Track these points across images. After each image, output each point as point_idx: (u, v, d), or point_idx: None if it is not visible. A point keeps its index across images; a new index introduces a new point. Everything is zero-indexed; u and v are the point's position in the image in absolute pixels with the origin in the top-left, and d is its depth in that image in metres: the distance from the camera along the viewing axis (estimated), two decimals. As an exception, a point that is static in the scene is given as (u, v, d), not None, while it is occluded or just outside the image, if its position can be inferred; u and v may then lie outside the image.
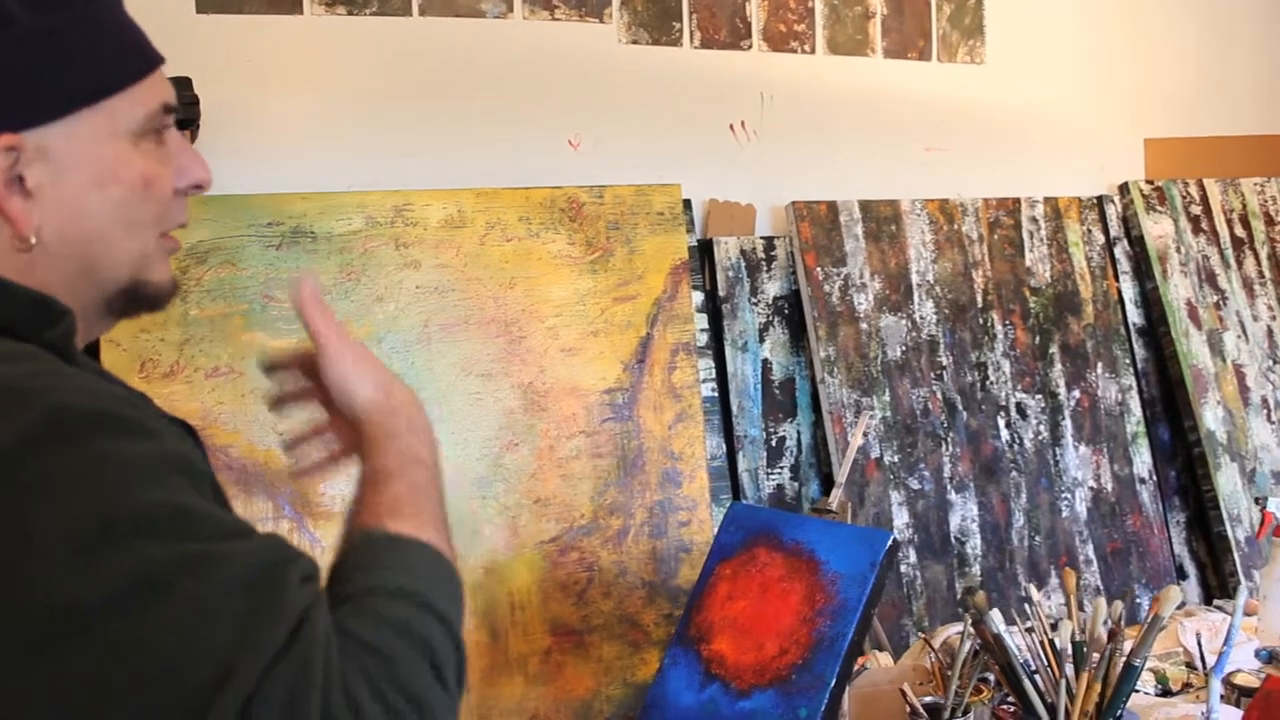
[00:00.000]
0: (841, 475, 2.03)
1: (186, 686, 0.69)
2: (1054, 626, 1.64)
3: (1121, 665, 1.58)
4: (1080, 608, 1.68)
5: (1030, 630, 1.68)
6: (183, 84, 2.22)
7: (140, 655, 0.69)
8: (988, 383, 2.84)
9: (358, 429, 1.01)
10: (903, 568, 2.64)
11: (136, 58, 0.93)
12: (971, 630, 1.67)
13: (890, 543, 1.63)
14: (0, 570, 0.70)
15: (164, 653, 0.69)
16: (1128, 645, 1.59)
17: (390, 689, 0.74)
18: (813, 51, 2.90)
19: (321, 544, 2.17)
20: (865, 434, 2.65)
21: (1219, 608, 2.13)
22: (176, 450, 0.79)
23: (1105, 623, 1.61)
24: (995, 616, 1.62)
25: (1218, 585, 2.95)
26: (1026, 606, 1.73)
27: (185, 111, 2.20)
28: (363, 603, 0.80)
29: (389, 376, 1.04)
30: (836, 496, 2.00)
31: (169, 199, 0.96)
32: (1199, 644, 1.78)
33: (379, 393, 1.01)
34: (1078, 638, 1.60)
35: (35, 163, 0.87)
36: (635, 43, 2.73)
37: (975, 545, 2.73)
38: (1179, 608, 2.19)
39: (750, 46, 2.84)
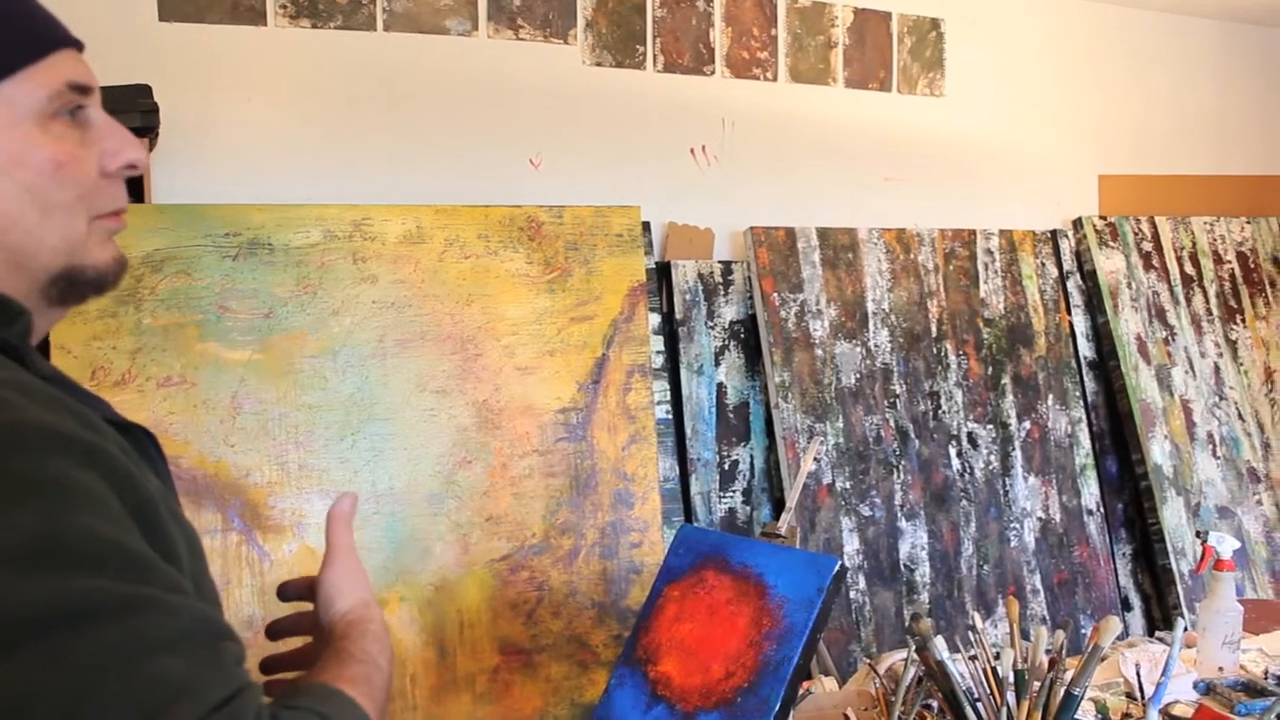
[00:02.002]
0: (791, 500, 2.04)
1: (119, 712, 0.69)
2: (997, 655, 1.65)
3: (1062, 694, 1.60)
4: (1024, 636, 1.70)
5: (974, 658, 1.69)
6: (142, 92, 2.21)
7: (78, 676, 0.69)
8: (940, 412, 2.87)
9: (327, 633, 1.06)
10: (852, 594, 2.65)
11: (30, 41, 0.90)
12: (915, 657, 1.68)
13: (838, 568, 1.64)
14: None
15: (101, 678, 0.69)
16: (1069, 675, 1.61)
17: None
18: (775, 79, 2.93)
19: (270, 557, 2.15)
20: (816, 459, 2.66)
21: (1160, 639, 2.16)
22: (129, 479, 0.79)
23: (1047, 651, 1.62)
24: (939, 643, 1.63)
25: (1162, 617, 2.99)
26: (969, 634, 1.75)
27: (144, 119, 2.19)
28: (305, 714, 0.83)
29: (371, 595, 1.10)
30: (786, 521, 2.00)
31: (91, 180, 0.93)
32: (1138, 675, 1.80)
33: (360, 604, 1.07)
34: (1019, 666, 1.62)
35: None
36: (599, 65, 2.74)
37: (924, 573, 2.75)
38: (1120, 638, 2.22)
39: (713, 72, 2.86)
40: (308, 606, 1.12)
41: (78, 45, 0.94)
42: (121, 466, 0.79)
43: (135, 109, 2.18)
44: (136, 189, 2.21)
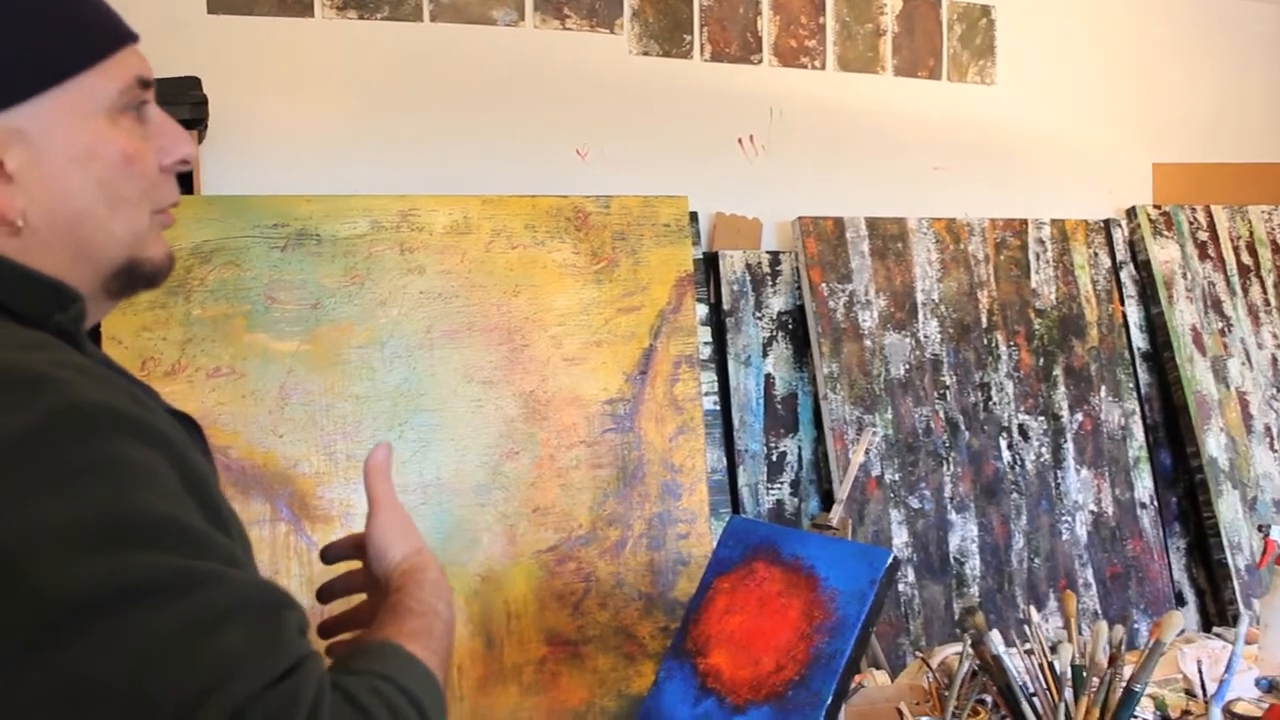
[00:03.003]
0: (843, 492, 2.02)
1: (180, 688, 0.69)
2: (1053, 649, 1.62)
3: (1121, 691, 1.57)
4: (1080, 631, 1.67)
5: (1029, 652, 1.66)
6: (191, 84, 2.22)
7: (137, 653, 0.69)
8: (990, 403, 2.83)
9: (384, 586, 1.05)
10: (901, 586, 2.63)
11: (103, 36, 0.92)
12: (970, 651, 1.66)
13: (890, 560, 1.62)
14: (1, 556, 0.69)
15: (161, 655, 0.69)
16: (1127, 670, 1.58)
17: None
18: (823, 68, 2.90)
19: (317, 546, 2.16)
20: (867, 451, 2.64)
21: (1219, 635, 2.12)
22: (184, 458, 0.80)
23: (1105, 647, 1.60)
24: (995, 637, 1.60)
25: (1216, 612, 2.94)
26: (1026, 628, 1.72)
27: (194, 111, 2.20)
28: (366, 679, 0.82)
29: (423, 543, 1.09)
30: (837, 512, 1.98)
31: (154, 175, 0.95)
32: (1200, 671, 1.77)
33: (413, 552, 1.06)
34: (1077, 661, 1.59)
35: (13, 145, 0.87)
36: (645, 54, 2.73)
37: (974, 566, 2.71)
38: (1179, 634, 2.18)
39: (760, 61, 2.84)
40: (356, 565, 1.12)
41: (136, 38, 0.96)
42: (177, 444, 0.80)
43: (185, 101, 2.19)
44: (186, 181, 2.22)
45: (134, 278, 0.95)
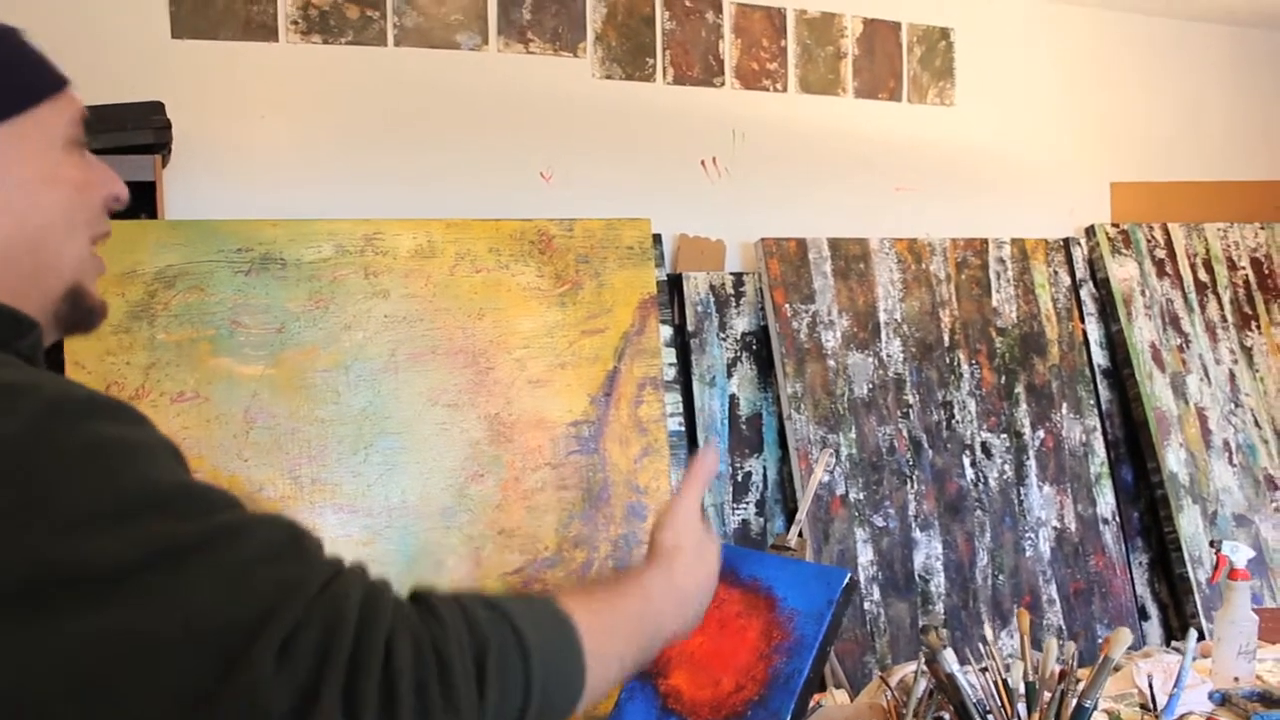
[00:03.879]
0: (802, 512, 2.04)
1: (226, 631, 0.71)
2: (1008, 666, 1.64)
3: (1073, 705, 1.59)
4: (1036, 647, 1.69)
5: (985, 670, 1.68)
6: (155, 108, 2.22)
7: (172, 607, 0.71)
8: (953, 421, 2.86)
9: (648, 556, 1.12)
10: (866, 605, 2.65)
11: (50, 73, 0.98)
12: (925, 669, 1.68)
13: (848, 580, 1.63)
14: (13, 539, 0.72)
15: (199, 603, 0.72)
16: (1081, 686, 1.60)
17: (429, 653, 0.77)
18: (785, 90, 2.93)
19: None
20: (828, 470, 2.66)
21: (1175, 649, 2.14)
22: (166, 437, 0.83)
23: (1059, 661, 1.62)
24: (948, 655, 1.62)
25: (1179, 626, 2.97)
26: (980, 646, 1.74)
27: (157, 135, 2.21)
28: (462, 598, 0.84)
29: (695, 543, 1.14)
30: (795, 533, 2.00)
31: (98, 206, 0.99)
32: (1150, 685, 1.79)
33: (673, 548, 1.11)
34: (1030, 678, 1.61)
35: None
36: (609, 77, 2.75)
37: (939, 583, 2.74)
38: (1136, 648, 2.20)
39: (723, 84, 2.87)
40: None
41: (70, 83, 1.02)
42: (155, 425, 0.83)
43: (148, 125, 2.20)
44: (150, 205, 2.23)
45: (76, 308, 0.99)
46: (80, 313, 0.99)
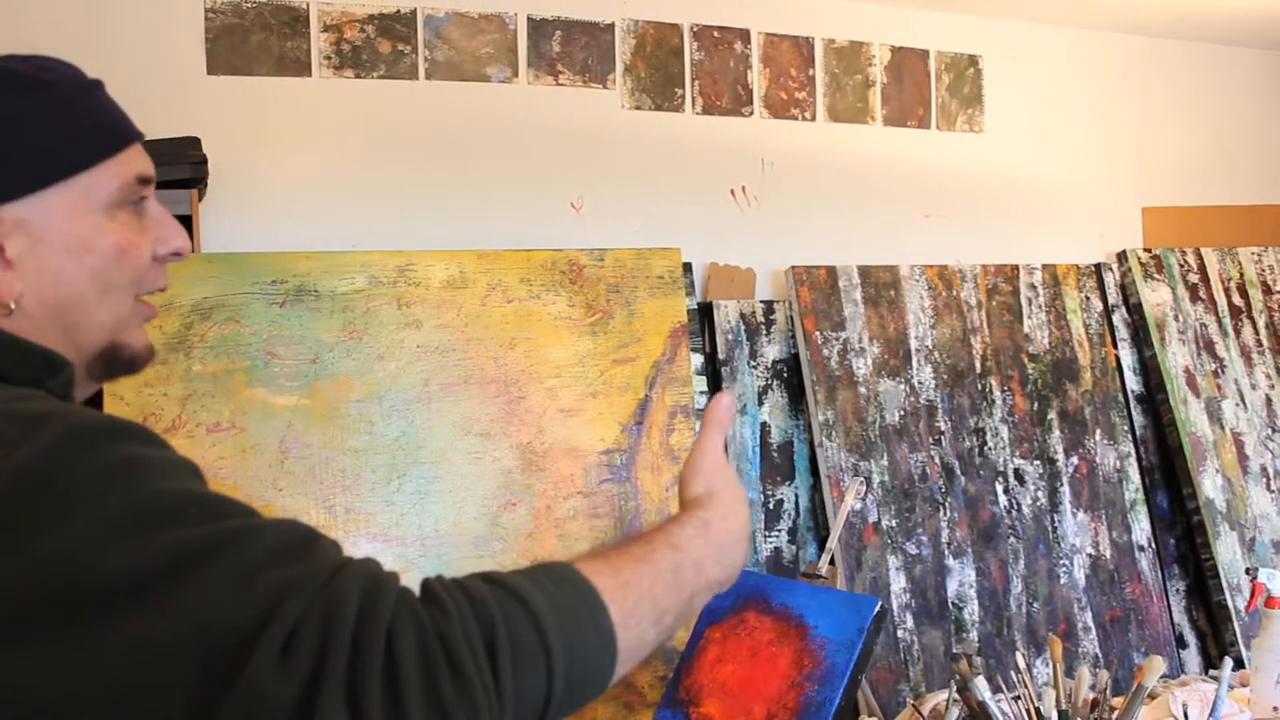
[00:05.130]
0: (833, 539, 2.04)
1: (232, 631, 0.73)
2: (1040, 696, 1.64)
3: (1108, 735, 1.58)
4: (1068, 675, 1.68)
5: (1018, 698, 1.68)
6: (191, 143, 2.26)
7: (186, 612, 0.73)
8: (986, 448, 2.85)
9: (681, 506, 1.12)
10: (900, 632, 2.64)
11: (109, 136, 0.99)
12: (957, 697, 1.68)
13: (878, 608, 1.63)
14: (37, 553, 0.74)
15: (209, 607, 0.73)
16: (1115, 715, 1.59)
17: (434, 640, 0.76)
18: (813, 119, 2.94)
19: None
20: (860, 498, 2.65)
21: (1213, 678, 2.12)
22: (185, 458, 0.85)
23: (1092, 688, 1.61)
24: (980, 684, 1.62)
25: (1218, 654, 2.93)
26: (1011, 674, 1.73)
27: (193, 170, 2.24)
28: (464, 579, 0.84)
29: (723, 487, 1.14)
30: (825, 561, 2.00)
31: (145, 265, 1.02)
32: (1185, 714, 1.78)
33: (705, 494, 1.12)
34: (1063, 706, 1.61)
35: (15, 234, 0.93)
36: (638, 108, 2.77)
37: (973, 611, 2.72)
38: (1173, 677, 2.19)
39: (751, 113, 2.88)
40: None
41: (142, 137, 1.02)
42: (176, 450, 0.86)
43: (185, 160, 2.23)
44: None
45: (114, 361, 1.01)
46: (119, 364, 1.02)
